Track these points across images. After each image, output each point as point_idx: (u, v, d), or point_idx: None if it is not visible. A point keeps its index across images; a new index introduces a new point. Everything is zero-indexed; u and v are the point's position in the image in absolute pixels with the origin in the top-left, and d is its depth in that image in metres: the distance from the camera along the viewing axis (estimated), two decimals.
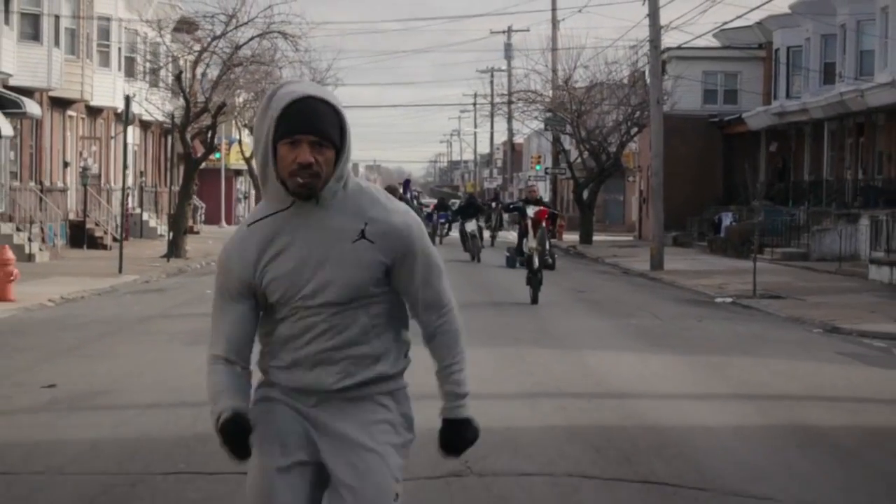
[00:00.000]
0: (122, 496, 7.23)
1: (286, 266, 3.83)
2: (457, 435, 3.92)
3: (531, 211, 19.81)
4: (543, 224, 19.87)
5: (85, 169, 37.17)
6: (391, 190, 30.53)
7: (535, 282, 19.81)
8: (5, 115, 29.30)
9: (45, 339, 15.21)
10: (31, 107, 30.89)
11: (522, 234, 20.27)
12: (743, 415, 10.37)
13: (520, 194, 54.94)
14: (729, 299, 23.64)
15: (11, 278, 20.06)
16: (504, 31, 69.88)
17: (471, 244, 34.62)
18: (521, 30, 67.18)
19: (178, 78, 34.23)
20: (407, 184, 36.45)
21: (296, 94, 3.75)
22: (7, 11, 28.98)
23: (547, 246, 19.60)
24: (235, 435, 3.77)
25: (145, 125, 45.79)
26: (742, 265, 31.65)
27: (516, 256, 24.64)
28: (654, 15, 32.04)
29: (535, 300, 19.82)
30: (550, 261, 19.64)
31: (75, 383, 11.48)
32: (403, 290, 3.92)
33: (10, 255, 20.55)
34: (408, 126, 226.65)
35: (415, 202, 36.66)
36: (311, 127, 3.72)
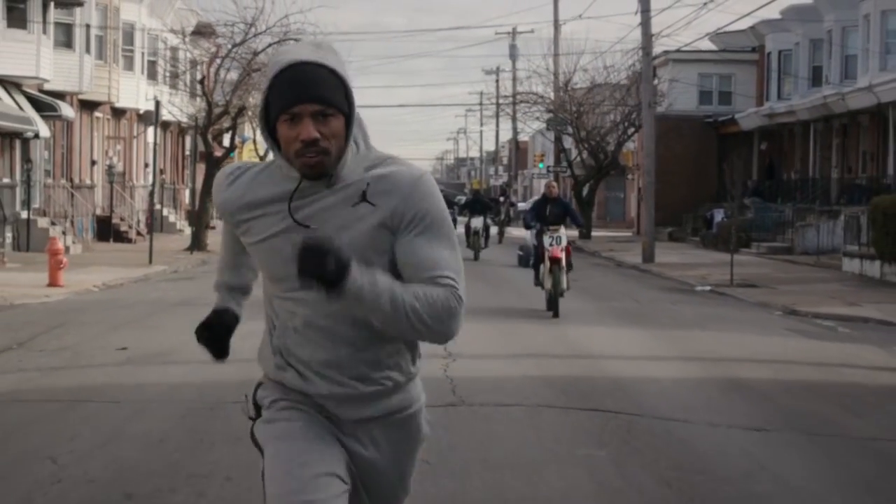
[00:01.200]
0: (204, 416, 9.81)
1: (269, 242, 3.44)
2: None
3: (548, 241, 18.26)
4: (563, 261, 18.16)
5: (110, 167, 39.79)
6: None
7: (554, 308, 18.24)
8: (42, 117, 31.88)
9: (104, 316, 17.82)
10: (66, 109, 33.53)
11: (539, 259, 18.84)
12: (685, 371, 12.95)
13: (526, 194, 55.05)
14: (708, 288, 26.21)
15: (62, 266, 22.64)
16: (509, 33, 72.35)
17: (473, 241, 34.00)
18: (526, 31, 69.52)
19: (201, 83, 36.85)
20: None
21: (284, 61, 3.25)
22: (45, 22, 31.58)
23: (564, 285, 18.12)
24: (206, 339, 3.73)
25: (164, 125, 48.37)
26: (726, 258, 34.12)
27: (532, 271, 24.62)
28: (645, 24, 34.57)
29: (556, 314, 18.19)
30: (563, 292, 18.20)
31: (142, 347, 14.07)
32: (401, 261, 3.33)
33: (59, 245, 23.15)
34: (415, 124, 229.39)
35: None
36: (309, 94, 3.22)
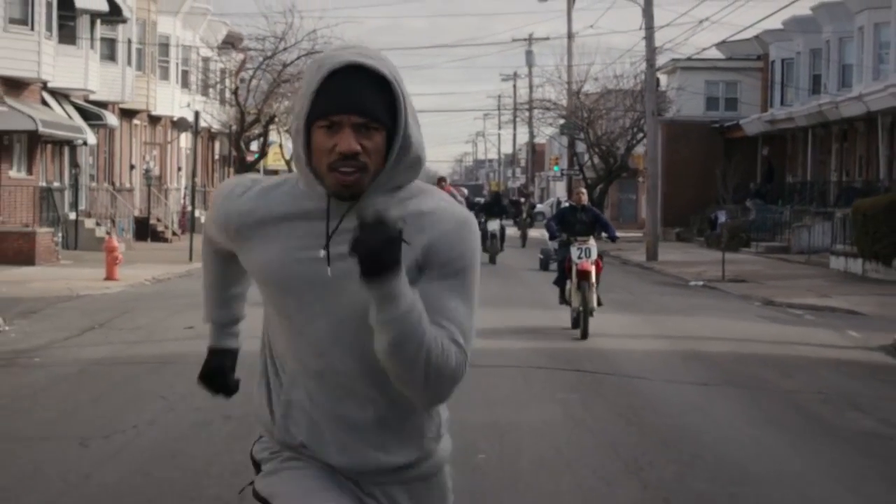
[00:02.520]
0: None
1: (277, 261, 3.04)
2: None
3: (576, 253, 16.53)
4: (592, 276, 16.45)
5: (147, 171, 42.71)
6: (441, 180, 31.81)
7: (583, 327, 16.20)
8: (89, 125, 34.78)
9: (163, 303, 20.64)
10: (110, 118, 36.46)
11: (564, 274, 17.17)
12: (658, 345, 15.70)
13: (554, 205, 50.56)
14: (701, 283, 28.94)
15: (117, 262, 25.47)
16: (526, 39, 75.10)
17: (490, 244, 33.04)
18: (542, 38, 72.30)
19: (234, 93, 39.77)
20: (440, 183, 32.76)
21: (335, 62, 2.89)
22: (92, 38, 34.49)
23: (594, 303, 16.40)
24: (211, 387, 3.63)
25: (196, 131, 51.32)
26: (728, 257, 36.76)
27: (552, 267, 23.68)
28: (649, 38, 37.30)
29: (584, 334, 16.13)
30: (593, 311, 16.44)
31: (205, 327, 16.85)
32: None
33: (115, 243, 26.00)
34: (435, 125, 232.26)
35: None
36: (354, 104, 2.85)
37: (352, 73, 2.88)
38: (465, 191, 54.31)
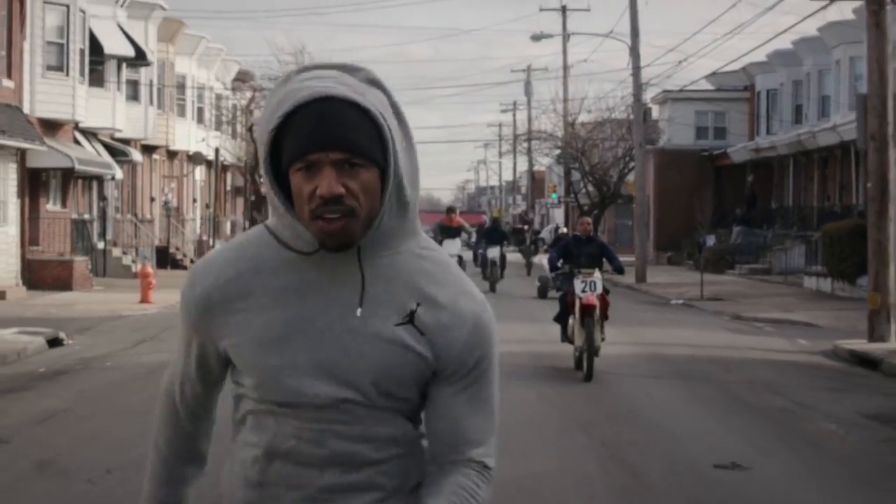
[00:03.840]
0: None
1: (268, 336, 2.58)
2: None
3: (580, 286, 15.47)
4: (597, 311, 15.53)
5: (166, 203, 45.86)
6: (450, 210, 32.22)
7: (587, 368, 15.23)
8: (116, 161, 37.91)
9: None
10: (135, 154, 39.65)
11: (566, 310, 16.11)
12: (628, 350, 18.74)
13: (552, 231, 50.14)
14: (681, 301, 32.00)
15: (151, 286, 28.56)
16: (524, 70, 78.39)
17: (490, 272, 32.90)
18: (540, 68, 75.56)
19: (249, 129, 43.00)
20: (450, 213, 32.16)
21: (305, 93, 2.45)
22: (118, 81, 37.70)
23: (598, 341, 15.47)
24: None
25: (209, 164, 54.55)
26: (712, 278, 39.90)
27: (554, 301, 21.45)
28: (636, 75, 40.46)
29: (588, 376, 15.15)
30: (598, 350, 15.57)
31: None
32: (434, 417, 2.65)
33: (150, 269, 29.09)
34: (438, 153, 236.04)
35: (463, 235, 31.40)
36: (332, 138, 2.44)
37: (325, 106, 2.45)
38: (485, 218, 53.96)
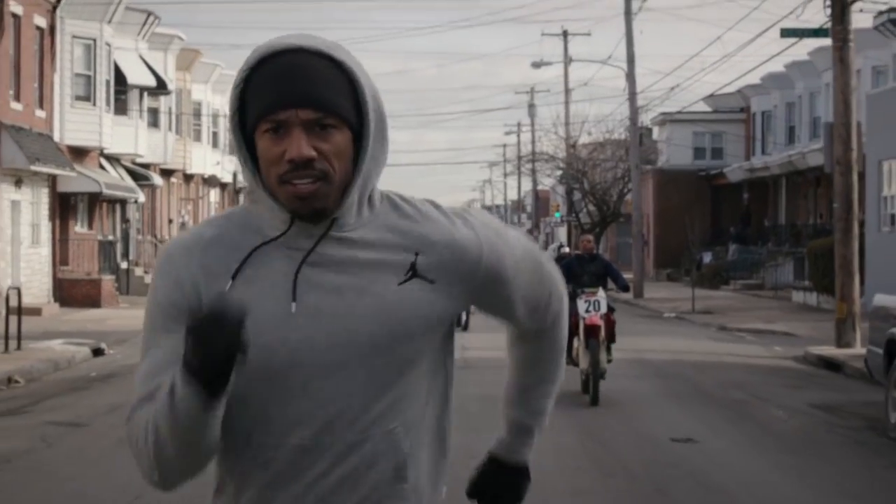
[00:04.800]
0: None
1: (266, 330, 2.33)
2: (511, 486, 2.74)
3: (584, 306, 15.16)
4: (602, 332, 15.34)
5: (183, 224, 48.25)
6: None
7: (592, 392, 15.00)
8: (138, 185, 40.30)
9: None
10: (155, 178, 42.07)
11: (571, 331, 15.11)
12: (615, 355, 21.01)
13: (555, 250, 51.72)
14: (673, 314, 34.28)
15: None
16: (527, 92, 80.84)
17: None
18: (543, 90, 77.92)
19: None
20: None
21: (273, 46, 2.32)
22: (140, 109, 40.14)
23: (604, 363, 15.31)
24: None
25: (223, 186, 56.98)
26: (707, 293, 42.23)
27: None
28: (632, 100, 42.80)
29: (594, 400, 14.93)
30: (604, 373, 15.34)
31: None
32: (527, 294, 2.58)
33: None
34: (444, 172, 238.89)
35: None
36: (302, 95, 2.28)
37: (295, 59, 2.28)
38: None
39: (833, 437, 13.02)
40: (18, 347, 20.73)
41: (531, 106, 78.77)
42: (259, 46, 2.35)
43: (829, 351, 21.96)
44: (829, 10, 22.77)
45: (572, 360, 15.29)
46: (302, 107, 2.29)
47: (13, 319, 20.82)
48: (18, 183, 31.47)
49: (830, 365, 20.58)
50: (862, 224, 35.86)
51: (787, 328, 28.10)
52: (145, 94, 41.05)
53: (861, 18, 51.06)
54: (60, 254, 34.56)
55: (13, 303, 21.38)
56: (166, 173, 47.09)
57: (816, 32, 23.72)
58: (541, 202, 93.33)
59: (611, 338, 15.73)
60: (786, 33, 24.08)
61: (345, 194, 2.36)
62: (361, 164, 2.37)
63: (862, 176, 40.21)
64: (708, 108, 60.88)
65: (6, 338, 20.62)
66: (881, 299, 14.32)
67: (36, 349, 21.18)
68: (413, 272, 2.40)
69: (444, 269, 2.43)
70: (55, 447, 12.05)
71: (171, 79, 43.74)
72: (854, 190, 22.87)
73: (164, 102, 43.47)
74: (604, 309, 15.42)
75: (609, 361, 15.66)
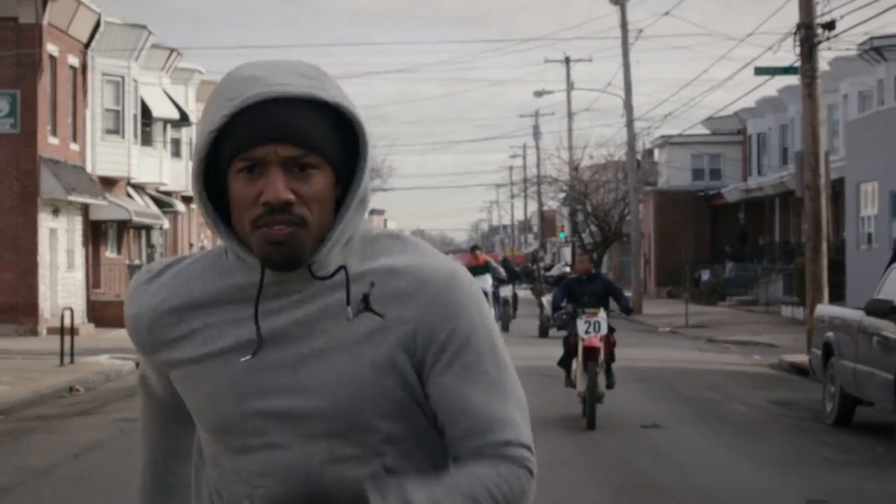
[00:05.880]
0: None
1: (215, 376, 2.26)
2: None
3: (583, 327, 14.91)
4: (601, 354, 15.13)
5: (202, 248, 51.01)
6: (475, 249, 33.55)
7: (589, 415, 14.79)
8: (163, 212, 43.06)
9: None
10: (178, 205, 44.85)
11: (570, 352, 15.55)
12: None
13: (560, 268, 54.44)
14: (668, 329, 36.90)
15: None
16: (532, 115, 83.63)
17: (502, 311, 32.97)
18: (547, 114, 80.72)
19: None
20: (474, 250, 33.40)
21: (254, 93, 2.13)
22: (165, 140, 42.95)
23: (602, 386, 15.09)
24: None
25: None
26: (704, 309, 44.89)
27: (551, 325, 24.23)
28: (630, 127, 45.52)
29: (590, 424, 14.72)
30: (602, 397, 15.14)
31: None
32: (440, 413, 2.24)
33: None
34: (451, 194, 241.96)
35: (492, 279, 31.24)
36: (281, 129, 2.12)
37: (274, 99, 2.13)
38: (500, 257, 55.40)
39: (780, 424, 15.68)
40: (72, 361, 23.43)
41: (535, 128, 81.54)
42: (236, 87, 2.15)
43: (801, 358, 24.53)
44: (798, 50, 25.37)
45: (570, 382, 15.59)
46: (281, 142, 2.12)
47: (63, 338, 23.52)
48: (55, 212, 34.21)
49: (800, 370, 23.14)
50: (843, 243, 38.61)
51: (770, 339, 30.70)
52: (168, 125, 43.83)
53: (848, 45, 53.83)
54: (93, 277, 37.28)
55: (64, 322, 24.05)
56: (187, 200, 49.82)
57: (787, 70, 26.27)
58: (547, 222, 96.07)
59: (611, 357, 15.49)
60: (759, 71, 26.70)
61: (323, 241, 2.18)
62: (346, 212, 2.20)
63: (839, 197, 42.95)
64: (706, 131, 63.60)
65: (62, 353, 23.35)
66: (821, 309, 17.01)
67: (86, 363, 23.86)
68: (365, 303, 2.19)
69: (398, 301, 2.20)
70: (133, 436, 14.71)
71: (192, 110, 46.51)
72: (823, 212, 25.50)
73: (184, 133, 46.25)
74: (604, 330, 15.15)
75: (610, 387, 15.38)
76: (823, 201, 25.56)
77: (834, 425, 15.21)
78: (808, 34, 25.14)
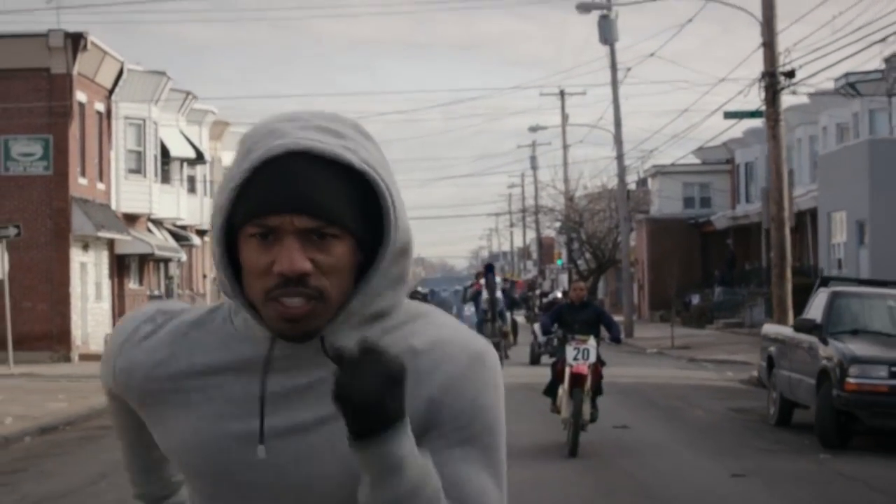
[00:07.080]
0: None
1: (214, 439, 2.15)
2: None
3: (572, 353, 15.10)
4: (588, 382, 15.23)
5: (215, 279, 54.03)
6: (487, 267, 35.21)
7: (572, 444, 15.08)
8: (180, 246, 46.14)
9: None
10: (194, 239, 47.97)
11: (557, 379, 15.72)
12: None
13: (551, 294, 55.52)
14: (654, 350, 39.90)
15: None
16: (529, 146, 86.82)
17: (501, 339, 32.88)
18: (544, 143, 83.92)
19: None
20: (490, 269, 33.94)
21: (271, 147, 2.01)
22: (181, 178, 46.11)
23: (587, 415, 15.27)
24: None
25: None
26: (692, 332, 47.91)
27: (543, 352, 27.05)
28: (620, 160, 48.63)
29: (572, 451, 15.09)
30: (586, 425, 15.33)
31: None
32: None
33: None
34: (451, 222, 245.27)
35: (500, 298, 32.51)
36: (299, 199, 2.00)
37: (298, 154, 2.01)
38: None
39: (731, 425, 18.73)
40: None
41: (533, 158, 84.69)
42: (261, 139, 2.02)
43: None
44: (763, 95, 28.46)
45: (556, 409, 15.59)
46: (298, 213, 1.98)
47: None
48: (85, 247, 37.29)
49: (765, 385, 26.15)
50: (815, 268, 41.65)
51: (745, 358, 33.60)
52: (185, 164, 46.98)
53: (824, 80, 56.96)
54: (119, 307, 40.33)
55: (99, 349, 27.01)
56: (201, 233, 52.96)
57: (753, 114, 29.39)
58: (545, 249, 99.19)
59: (597, 390, 15.53)
60: (728, 115, 29.81)
61: (339, 311, 2.04)
62: (365, 285, 2.06)
63: (805, 226, 45.89)
64: (697, 160, 66.73)
65: None
66: (766, 328, 20.12)
67: None
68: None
69: (415, 380, 2.02)
70: None
71: (206, 149, 49.66)
72: (787, 242, 28.55)
73: (199, 171, 49.40)
74: (593, 358, 15.25)
75: (593, 420, 15.47)
76: (787, 232, 28.60)
77: (776, 425, 18.27)
78: (772, 81, 28.24)
